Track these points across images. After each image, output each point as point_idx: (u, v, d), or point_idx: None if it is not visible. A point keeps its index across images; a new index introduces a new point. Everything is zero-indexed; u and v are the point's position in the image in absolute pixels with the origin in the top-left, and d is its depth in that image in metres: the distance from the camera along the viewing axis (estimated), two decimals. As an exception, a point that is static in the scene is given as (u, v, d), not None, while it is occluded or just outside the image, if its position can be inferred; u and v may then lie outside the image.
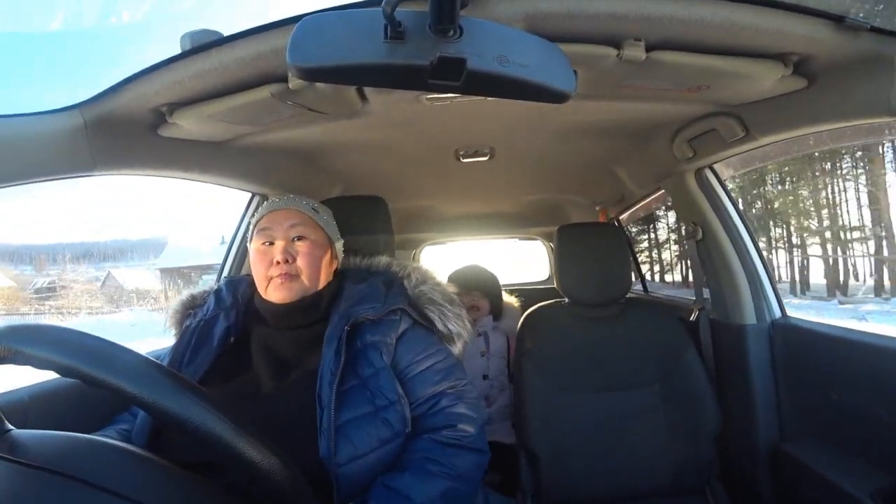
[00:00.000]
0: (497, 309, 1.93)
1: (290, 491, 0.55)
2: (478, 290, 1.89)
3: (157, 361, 0.54)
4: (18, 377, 0.79)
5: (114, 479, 0.46)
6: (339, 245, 1.02)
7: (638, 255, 2.62)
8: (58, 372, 0.50)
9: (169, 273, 29.97)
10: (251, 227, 0.95)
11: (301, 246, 0.91)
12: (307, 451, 0.74)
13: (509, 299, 2.04)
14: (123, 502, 0.44)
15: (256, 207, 1.42)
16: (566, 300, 1.45)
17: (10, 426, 0.49)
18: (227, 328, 0.90)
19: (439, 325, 0.96)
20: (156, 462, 0.52)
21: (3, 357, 0.49)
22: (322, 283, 0.93)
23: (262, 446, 0.53)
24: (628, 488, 1.23)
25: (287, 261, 0.88)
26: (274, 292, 0.89)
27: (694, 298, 1.49)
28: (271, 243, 0.90)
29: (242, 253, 1.41)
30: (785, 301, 1.31)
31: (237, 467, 0.52)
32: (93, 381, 0.49)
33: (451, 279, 1.87)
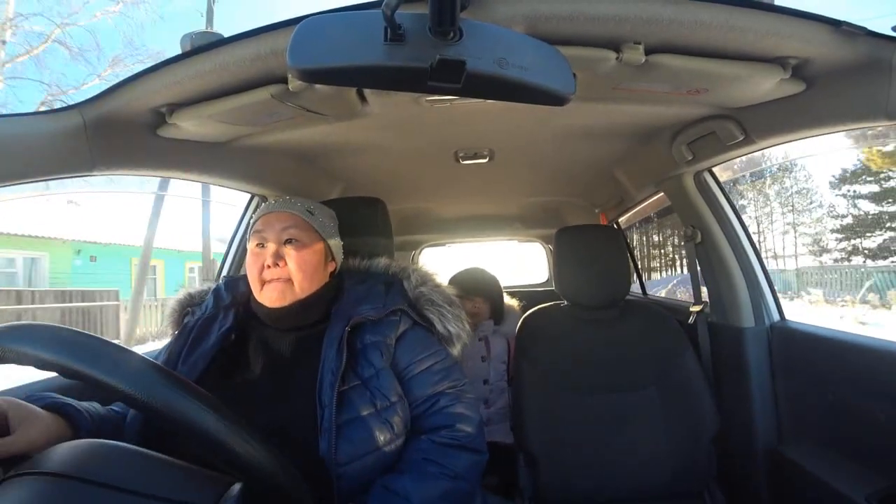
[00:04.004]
0: (498, 313, 1.91)
1: (289, 490, 0.55)
2: (479, 294, 1.86)
3: (153, 360, 0.54)
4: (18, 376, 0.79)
5: (131, 479, 0.47)
6: (337, 247, 1.01)
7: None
8: (54, 371, 0.50)
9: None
10: (249, 229, 0.96)
11: (292, 249, 0.90)
12: (308, 451, 0.74)
13: (511, 302, 2.02)
14: (147, 500, 0.45)
15: (256, 208, 1.42)
16: (565, 302, 1.45)
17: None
18: (227, 328, 0.89)
19: (439, 327, 0.96)
20: (169, 461, 0.52)
21: (0, 356, 0.49)
22: (315, 286, 0.92)
23: (258, 443, 0.53)
24: (626, 490, 1.22)
25: (277, 264, 0.88)
26: (265, 296, 0.89)
27: (693, 301, 1.49)
28: (263, 245, 0.90)
29: (242, 253, 1.41)
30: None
31: (234, 466, 0.52)
32: (89, 380, 0.49)
33: (453, 282, 1.86)
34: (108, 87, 0.78)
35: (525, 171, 1.68)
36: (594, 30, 0.68)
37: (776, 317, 1.28)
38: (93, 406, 0.78)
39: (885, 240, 16.04)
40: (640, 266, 2.38)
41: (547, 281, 3.10)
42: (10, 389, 0.87)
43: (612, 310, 1.40)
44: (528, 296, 2.14)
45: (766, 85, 0.82)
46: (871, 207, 16.52)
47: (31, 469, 0.47)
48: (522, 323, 1.45)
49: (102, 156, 0.84)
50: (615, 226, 2.16)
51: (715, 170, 1.32)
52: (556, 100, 0.52)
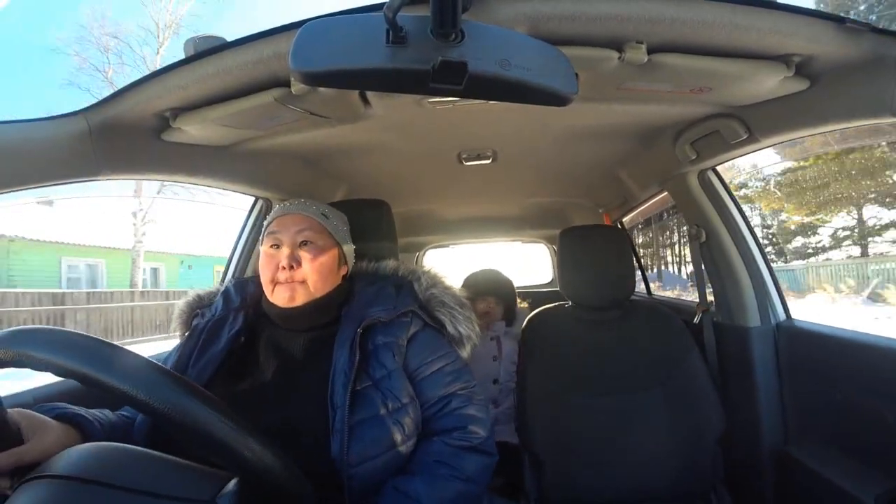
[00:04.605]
0: (511, 314, 1.92)
1: (292, 490, 0.55)
2: (492, 295, 1.87)
3: (158, 363, 0.54)
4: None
5: (130, 478, 0.48)
6: (349, 250, 1.01)
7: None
8: (58, 374, 0.50)
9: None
10: (263, 230, 0.96)
11: (307, 252, 0.90)
12: (319, 452, 0.74)
13: (523, 305, 2.04)
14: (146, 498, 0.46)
15: (260, 211, 1.43)
16: (569, 303, 1.45)
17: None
18: (237, 330, 0.90)
19: (450, 328, 0.97)
20: (167, 459, 0.53)
21: (7, 360, 0.50)
22: (328, 288, 0.93)
23: (264, 447, 0.53)
24: (632, 492, 1.22)
25: (292, 266, 0.88)
26: (278, 296, 0.89)
27: (697, 301, 1.48)
28: (278, 247, 0.90)
29: (247, 255, 1.42)
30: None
31: (241, 468, 0.52)
32: (94, 383, 0.50)
33: (467, 283, 1.89)
34: (112, 92, 0.79)
35: (528, 172, 1.68)
36: (596, 30, 0.68)
37: (782, 316, 1.27)
38: (103, 413, 0.78)
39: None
40: (644, 265, 2.37)
41: (551, 282, 3.09)
42: (15, 394, 0.87)
43: (616, 310, 1.40)
44: (532, 296, 2.14)
45: (770, 83, 0.81)
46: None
47: (40, 473, 0.47)
48: (527, 324, 1.44)
49: (107, 160, 0.85)
50: (619, 226, 2.16)
51: (719, 168, 1.32)
52: (558, 100, 0.52)
